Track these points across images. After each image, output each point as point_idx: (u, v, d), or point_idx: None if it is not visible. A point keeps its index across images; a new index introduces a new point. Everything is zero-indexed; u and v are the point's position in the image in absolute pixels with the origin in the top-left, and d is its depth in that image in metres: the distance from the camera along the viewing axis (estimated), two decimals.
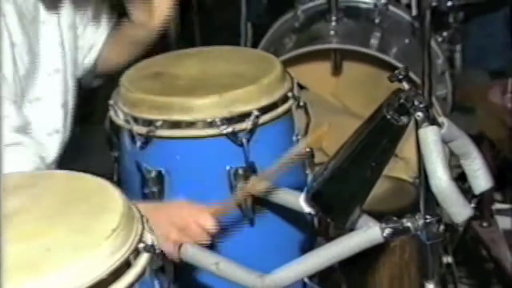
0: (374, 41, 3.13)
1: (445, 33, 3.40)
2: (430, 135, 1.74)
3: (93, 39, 2.54)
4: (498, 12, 3.36)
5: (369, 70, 3.11)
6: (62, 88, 2.33)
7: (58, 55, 2.31)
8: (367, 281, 2.72)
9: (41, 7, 2.27)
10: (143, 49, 2.59)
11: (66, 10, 2.34)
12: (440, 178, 1.71)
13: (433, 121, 1.75)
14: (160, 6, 2.43)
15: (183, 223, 1.96)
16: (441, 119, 1.80)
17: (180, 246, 1.93)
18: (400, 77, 1.79)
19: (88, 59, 2.55)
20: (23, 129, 2.06)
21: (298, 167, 2.27)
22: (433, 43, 2.83)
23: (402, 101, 1.76)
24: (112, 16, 2.57)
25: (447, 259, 2.62)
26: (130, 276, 1.53)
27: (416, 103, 1.75)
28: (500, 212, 2.77)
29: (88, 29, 2.52)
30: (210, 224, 1.96)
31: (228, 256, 1.91)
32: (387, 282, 2.75)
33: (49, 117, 2.31)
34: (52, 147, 2.29)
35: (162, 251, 1.63)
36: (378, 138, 1.81)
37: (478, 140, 1.93)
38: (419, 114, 1.74)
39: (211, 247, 1.98)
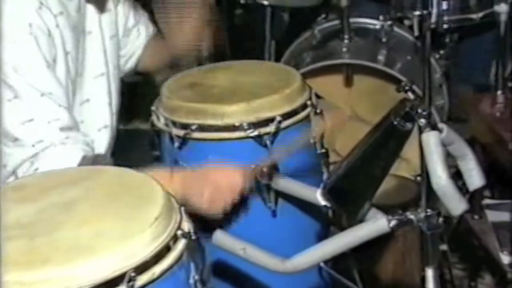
0: (381, 57, 3.13)
1: (442, 51, 3.38)
2: (431, 139, 1.73)
3: (133, 48, 2.53)
4: (486, 34, 3.35)
5: (377, 82, 3.10)
6: (107, 89, 2.32)
7: (102, 61, 2.30)
8: (375, 265, 2.72)
9: (87, 20, 2.26)
10: (173, 59, 2.58)
11: (107, 23, 2.33)
12: (440, 177, 1.70)
13: (434, 127, 1.75)
14: (188, 27, 2.41)
15: (216, 181, 1.94)
16: (441, 125, 1.79)
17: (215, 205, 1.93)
18: (406, 88, 1.79)
19: (129, 65, 2.55)
20: (72, 128, 2.04)
21: (314, 166, 2.27)
22: (432, 60, 2.81)
23: (407, 109, 1.75)
24: (149, 27, 2.56)
25: (443, 247, 2.60)
26: (169, 259, 1.53)
27: (419, 111, 1.74)
28: (489, 206, 2.74)
29: (129, 40, 2.51)
30: (238, 183, 1.95)
31: (253, 242, 1.89)
32: (392, 266, 2.75)
33: (98, 115, 2.30)
34: (103, 141, 2.28)
35: (198, 237, 1.63)
36: (386, 141, 1.80)
37: (471, 144, 1.92)
38: (422, 121, 1.74)
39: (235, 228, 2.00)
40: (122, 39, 2.46)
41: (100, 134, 2.29)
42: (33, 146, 1.96)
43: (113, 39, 2.36)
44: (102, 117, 2.31)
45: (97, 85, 2.29)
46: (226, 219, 1.97)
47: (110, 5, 2.34)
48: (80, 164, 1.96)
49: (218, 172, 1.98)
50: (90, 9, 2.27)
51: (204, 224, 1.81)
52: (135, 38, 2.52)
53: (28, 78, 1.98)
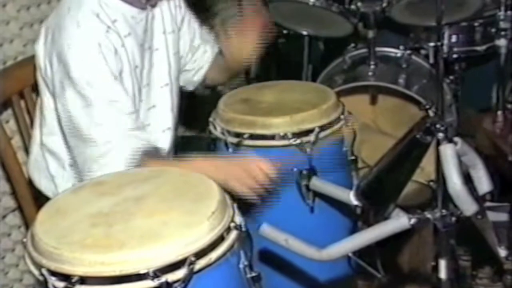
0: (401, 80, 3.08)
1: (452, 77, 3.34)
2: (448, 151, 1.70)
3: (200, 64, 2.51)
4: (489, 64, 3.31)
5: (397, 101, 3.06)
6: (170, 97, 2.30)
7: (166, 73, 2.29)
8: (394, 256, 2.69)
9: (155, 39, 2.25)
10: (231, 76, 2.59)
11: (171, 42, 2.31)
12: (455, 183, 1.67)
13: (450, 140, 1.71)
14: (246, 48, 2.38)
15: (248, 166, 1.91)
16: (456, 138, 1.75)
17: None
18: (427, 107, 1.75)
19: (197, 77, 2.53)
20: (135, 129, 2.03)
21: (346, 170, 2.24)
22: (444, 84, 2.77)
23: (427, 125, 1.72)
24: (215, 47, 2.54)
25: (451, 241, 2.57)
26: (223, 247, 1.52)
27: (438, 126, 1.71)
28: (490, 208, 2.70)
29: (196, 55, 2.49)
30: (268, 168, 1.91)
31: (294, 234, 1.86)
32: (408, 257, 2.73)
33: (162, 119, 2.28)
34: (166, 141, 2.26)
35: (247, 229, 1.60)
36: (410, 152, 1.77)
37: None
38: (440, 135, 1.71)
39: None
40: (187, 56, 2.46)
41: (164, 135, 2.27)
42: (103, 145, 1.96)
43: (176, 55, 2.34)
44: (166, 121, 2.30)
45: (162, 94, 2.28)
46: (261, 203, 1.95)
47: (174, 27, 2.32)
48: (141, 159, 1.95)
49: (250, 161, 1.95)
50: (157, 30, 2.26)
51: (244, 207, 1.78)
52: (201, 55, 2.50)
53: (99, 89, 1.98)
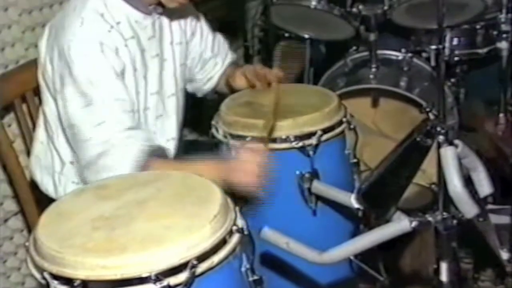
0: (402, 83, 3.09)
1: (453, 79, 3.34)
2: (448, 153, 1.69)
3: (210, 74, 2.53)
4: (490, 66, 3.31)
5: (398, 104, 3.06)
6: (175, 106, 2.32)
7: (173, 84, 2.30)
8: (396, 259, 2.68)
9: (164, 49, 2.26)
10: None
11: (179, 52, 2.33)
12: (456, 185, 1.66)
13: (451, 143, 1.71)
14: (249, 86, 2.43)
15: (246, 170, 1.89)
16: (457, 141, 1.75)
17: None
18: (428, 110, 1.75)
19: (207, 86, 2.55)
20: (134, 128, 2.04)
21: (348, 173, 2.24)
22: (445, 86, 2.76)
23: (428, 128, 1.72)
24: (228, 57, 2.56)
25: (453, 244, 2.57)
26: (225, 250, 1.52)
27: (438, 129, 1.71)
28: (492, 211, 2.69)
29: (206, 67, 2.51)
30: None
31: (296, 237, 1.86)
32: (409, 260, 2.71)
33: (168, 128, 2.30)
34: (170, 150, 2.26)
35: (249, 232, 1.61)
36: (410, 155, 1.77)
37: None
38: (441, 137, 1.70)
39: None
40: (196, 67, 2.48)
41: (168, 144, 2.28)
42: (102, 144, 1.97)
43: (182, 66, 2.36)
44: (171, 131, 2.31)
45: (169, 104, 2.30)
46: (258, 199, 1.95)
47: (182, 38, 2.34)
48: (146, 159, 1.95)
49: (247, 163, 1.94)
50: (166, 40, 2.27)
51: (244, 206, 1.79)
52: (211, 67, 2.52)
53: (101, 88, 1.99)
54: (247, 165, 1.90)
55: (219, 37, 2.54)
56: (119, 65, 2.04)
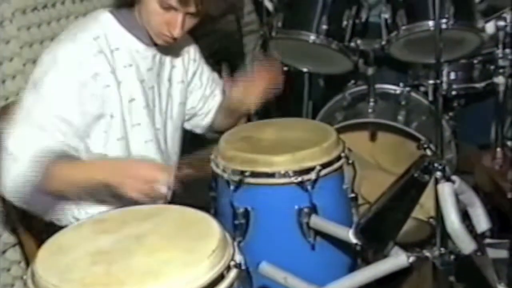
0: (400, 117, 3.10)
1: (451, 113, 3.35)
2: (446, 189, 1.71)
3: (209, 107, 2.55)
4: (487, 101, 3.32)
5: (397, 138, 3.07)
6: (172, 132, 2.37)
7: (160, 120, 2.31)
8: None
9: (161, 83, 2.28)
10: (235, 121, 2.57)
11: (179, 90, 2.36)
12: (453, 222, 1.68)
13: (448, 179, 1.72)
14: (254, 91, 2.41)
15: (136, 173, 1.91)
16: (454, 177, 1.76)
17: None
18: (425, 146, 1.77)
19: (206, 121, 2.57)
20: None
21: (346, 207, 2.24)
22: (443, 120, 2.78)
23: (425, 164, 1.73)
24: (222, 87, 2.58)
25: (451, 278, 2.56)
26: (223, 285, 1.51)
27: (436, 165, 1.72)
28: (490, 245, 2.69)
29: (206, 104, 2.53)
30: (157, 176, 1.89)
31: (293, 271, 1.87)
32: None
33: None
34: None
35: (247, 268, 1.61)
36: (408, 190, 1.79)
37: (475, 192, 1.91)
38: (438, 173, 1.72)
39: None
40: (198, 105, 2.50)
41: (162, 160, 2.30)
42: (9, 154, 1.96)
43: (180, 105, 2.38)
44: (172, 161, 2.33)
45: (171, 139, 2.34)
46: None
47: (184, 77, 2.37)
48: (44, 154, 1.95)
49: (139, 164, 1.95)
50: (164, 76, 2.30)
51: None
52: (211, 100, 2.54)
53: (54, 98, 2.00)
54: (137, 180, 1.89)
55: (214, 73, 2.57)
56: (92, 88, 2.04)
